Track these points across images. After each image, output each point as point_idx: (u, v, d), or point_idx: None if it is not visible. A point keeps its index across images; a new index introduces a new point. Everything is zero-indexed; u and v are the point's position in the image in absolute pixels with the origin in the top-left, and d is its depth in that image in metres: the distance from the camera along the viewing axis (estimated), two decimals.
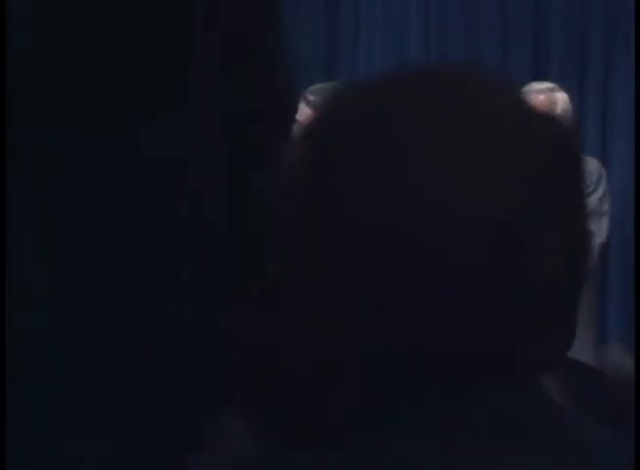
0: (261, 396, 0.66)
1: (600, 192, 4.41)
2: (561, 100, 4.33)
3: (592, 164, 4.34)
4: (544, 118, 0.84)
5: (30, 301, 0.30)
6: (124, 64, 0.32)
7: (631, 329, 4.93)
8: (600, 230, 4.37)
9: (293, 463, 0.35)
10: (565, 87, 4.40)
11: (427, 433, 0.79)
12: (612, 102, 5.22)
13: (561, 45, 5.25)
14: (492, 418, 0.80)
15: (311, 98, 3.58)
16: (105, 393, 0.31)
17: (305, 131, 0.81)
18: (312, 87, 3.74)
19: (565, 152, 0.83)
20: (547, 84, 4.44)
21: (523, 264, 0.78)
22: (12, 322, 0.30)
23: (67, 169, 0.30)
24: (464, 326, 0.78)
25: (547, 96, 4.26)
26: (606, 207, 4.47)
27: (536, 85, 4.34)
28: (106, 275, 0.30)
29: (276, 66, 0.37)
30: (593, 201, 4.28)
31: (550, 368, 0.86)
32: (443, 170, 0.77)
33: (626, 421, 1.46)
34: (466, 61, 5.07)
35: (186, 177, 0.32)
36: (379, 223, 0.77)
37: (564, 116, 4.05)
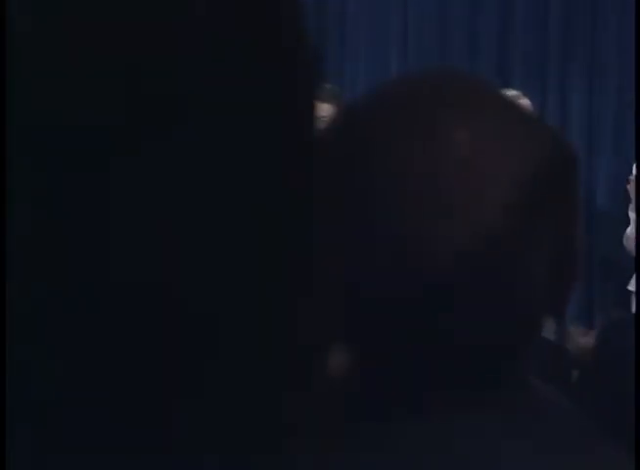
0: None
1: None
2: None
3: None
4: (534, 120, 0.80)
5: (30, 301, 0.28)
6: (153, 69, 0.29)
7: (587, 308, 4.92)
8: None
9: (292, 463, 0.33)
10: (527, 95, 4.41)
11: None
12: (569, 107, 5.25)
13: (523, 56, 5.26)
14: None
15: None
16: (108, 393, 0.29)
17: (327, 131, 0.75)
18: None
19: (557, 152, 0.78)
20: (512, 92, 4.44)
21: (515, 267, 0.74)
22: (12, 322, 0.28)
23: (67, 170, 0.28)
24: (458, 325, 0.73)
25: None
26: None
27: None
28: (108, 276, 0.28)
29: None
30: None
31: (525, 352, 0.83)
32: (438, 174, 0.73)
33: (585, 393, 1.44)
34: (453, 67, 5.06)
35: (193, 180, 0.29)
36: (376, 226, 0.73)
37: None
